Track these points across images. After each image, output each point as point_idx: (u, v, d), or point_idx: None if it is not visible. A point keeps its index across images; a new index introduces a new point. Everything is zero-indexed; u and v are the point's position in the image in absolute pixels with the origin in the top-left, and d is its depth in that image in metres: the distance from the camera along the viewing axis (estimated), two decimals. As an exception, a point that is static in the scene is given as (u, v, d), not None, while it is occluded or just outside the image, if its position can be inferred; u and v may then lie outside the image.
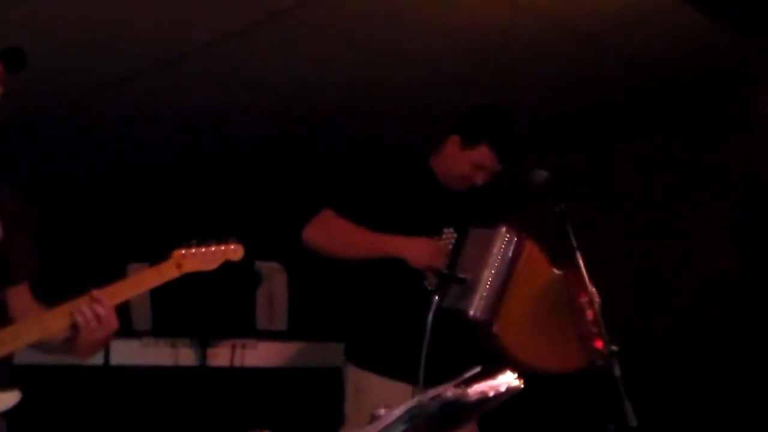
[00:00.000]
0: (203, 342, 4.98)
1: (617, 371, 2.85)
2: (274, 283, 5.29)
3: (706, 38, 4.50)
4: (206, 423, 4.84)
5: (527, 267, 3.24)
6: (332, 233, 3.42)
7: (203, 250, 2.79)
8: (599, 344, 3.16)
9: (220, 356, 5.03)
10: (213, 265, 2.82)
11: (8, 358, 2.55)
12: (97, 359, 4.71)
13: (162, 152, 6.21)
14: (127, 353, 4.86)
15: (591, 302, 3.13)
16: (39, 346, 2.59)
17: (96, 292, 2.55)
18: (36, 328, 2.52)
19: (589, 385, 3.15)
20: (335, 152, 6.14)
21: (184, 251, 2.75)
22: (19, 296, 2.70)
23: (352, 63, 4.76)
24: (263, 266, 5.17)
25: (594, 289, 3.11)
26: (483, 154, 3.41)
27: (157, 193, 6.91)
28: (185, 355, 4.99)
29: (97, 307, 2.53)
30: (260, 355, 5.14)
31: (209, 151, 6.21)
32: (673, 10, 4.19)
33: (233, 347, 5.05)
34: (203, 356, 4.96)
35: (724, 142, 5.15)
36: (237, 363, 5.04)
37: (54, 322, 2.54)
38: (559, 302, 3.20)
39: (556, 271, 3.29)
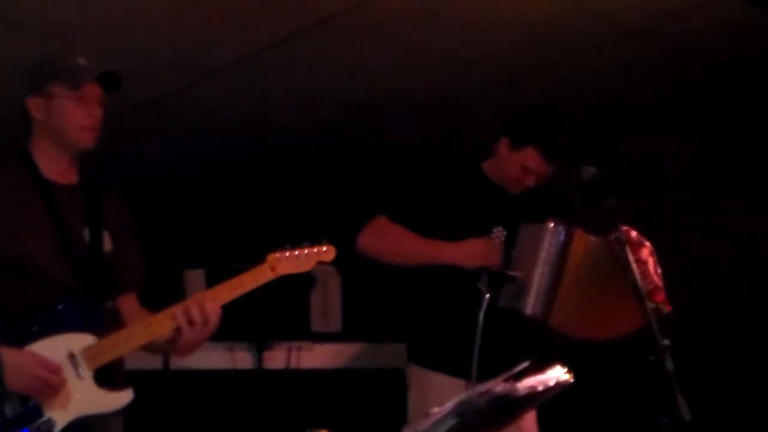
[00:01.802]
0: (260, 345, 5.04)
1: (670, 365, 2.84)
2: (328, 286, 5.33)
3: (757, 29, 4.45)
4: (264, 424, 4.90)
5: (578, 255, 3.26)
6: (386, 242, 3.47)
7: (297, 252, 2.90)
8: (660, 298, 3.19)
9: (277, 359, 5.09)
10: (307, 267, 2.94)
11: (121, 360, 2.76)
12: (157, 363, 4.80)
13: (213, 160, 6.28)
14: (185, 357, 4.94)
15: (647, 258, 3.19)
16: (145, 347, 2.78)
17: (198, 296, 2.73)
18: (144, 332, 2.70)
19: (642, 379, 3.15)
20: (385, 154, 6.17)
21: (278, 254, 2.87)
22: (128, 303, 2.90)
23: (401, 66, 4.78)
24: (317, 269, 5.17)
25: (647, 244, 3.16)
26: (530, 156, 3.40)
27: (208, 200, 6.99)
28: (242, 359, 5.06)
29: (204, 309, 2.69)
30: (316, 356, 5.18)
31: (261, 158, 6.27)
32: (723, 1, 4.16)
33: (289, 350, 5.10)
34: (260, 359, 5.02)
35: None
36: (293, 365, 5.10)
37: (159, 327, 2.71)
38: (609, 268, 3.18)
39: (597, 238, 3.28)
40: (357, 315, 5.43)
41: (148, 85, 4.85)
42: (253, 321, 4.98)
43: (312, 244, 2.94)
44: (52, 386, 2.53)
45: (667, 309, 3.22)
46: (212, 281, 5.15)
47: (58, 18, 3.99)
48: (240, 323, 4.98)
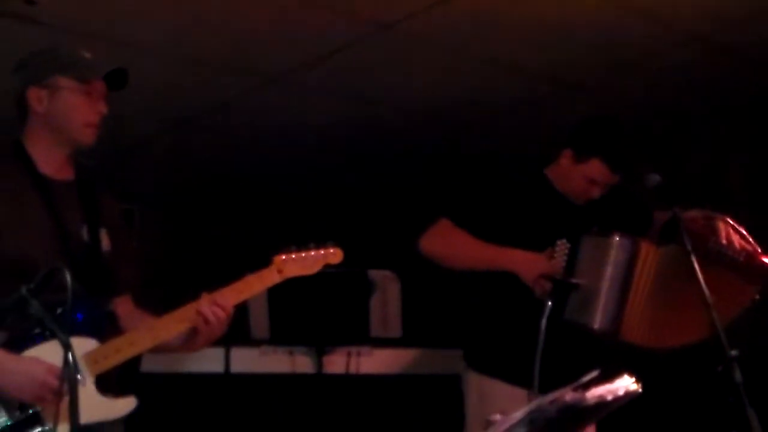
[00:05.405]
0: (319, 350, 5.06)
1: (739, 377, 2.79)
2: (388, 291, 5.33)
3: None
4: (323, 429, 4.91)
5: (645, 267, 3.20)
6: (449, 245, 3.43)
7: (303, 254, 2.85)
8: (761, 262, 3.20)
9: (336, 363, 5.10)
10: (313, 269, 2.88)
11: (132, 365, 2.71)
12: (218, 367, 4.86)
13: (274, 164, 6.33)
14: (246, 361, 5.00)
15: (724, 231, 3.18)
16: (155, 349, 2.71)
17: (207, 298, 2.66)
18: (148, 337, 2.64)
19: (711, 391, 3.10)
20: (446, 162, 6.16)
21: (284, 256, 2.82)
22: (123, 306, 2.82)
23: (461, 74, 4.77)
24: (376, 275, 5.22)
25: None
26: (596, 168, 3.34)
27: (271, 204, 7.03)
28: (302, 363, 5.08)
29: (218, 309, 2.64)
30: (375, 362, 5.19)
31: (322, 163, 6.30)
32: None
33: (348, 354, 5.12)
34: (319, 364, 5.04)
35: None
36: (352, 370, 5.11)
37: (165, 331, 2.66)
38: (676, 277, 3.14)
39: (663, 248, 3.22)
40: (417, 320, 5.42)
41: (211, 91, 4.91)
42: (313, 326, 5.02)
43: (318, 246, 2.89)
44: (58, 394, 2.33)
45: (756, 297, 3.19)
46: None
47: (121, 26, 4.05)
48: (300, 328, 5.03)
